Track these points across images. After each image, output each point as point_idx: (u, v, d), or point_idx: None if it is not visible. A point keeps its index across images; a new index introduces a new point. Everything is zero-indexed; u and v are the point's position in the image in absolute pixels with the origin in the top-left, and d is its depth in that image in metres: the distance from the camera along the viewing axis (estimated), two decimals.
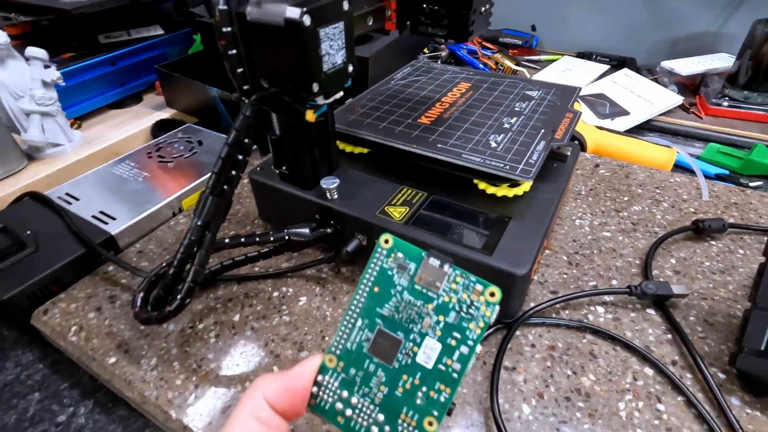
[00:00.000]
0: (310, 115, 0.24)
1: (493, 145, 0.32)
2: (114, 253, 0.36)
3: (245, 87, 0.24)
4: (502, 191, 0.32)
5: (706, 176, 0.47)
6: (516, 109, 0.38)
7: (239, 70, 0.23)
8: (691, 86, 0.67)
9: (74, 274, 0.34)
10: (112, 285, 0.34)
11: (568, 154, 0.36)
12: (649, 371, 0.27)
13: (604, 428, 0.24)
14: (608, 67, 0.72)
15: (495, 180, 0.31)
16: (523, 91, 0.41)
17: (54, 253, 0.34)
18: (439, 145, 0.33)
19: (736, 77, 0.58)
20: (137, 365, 0.28)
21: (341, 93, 0.26)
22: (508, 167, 0.30)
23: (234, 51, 0.22)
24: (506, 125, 0.35)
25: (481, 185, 0.32)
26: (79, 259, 0.34)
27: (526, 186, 0.32)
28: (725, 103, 0.58)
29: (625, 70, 0.67)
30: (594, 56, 0.75)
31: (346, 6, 0.24)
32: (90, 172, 0.44)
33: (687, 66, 0.64)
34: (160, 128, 0.59)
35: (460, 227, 0.30)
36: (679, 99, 0.60)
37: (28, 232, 0.35)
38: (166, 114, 0.62)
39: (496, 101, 0.39)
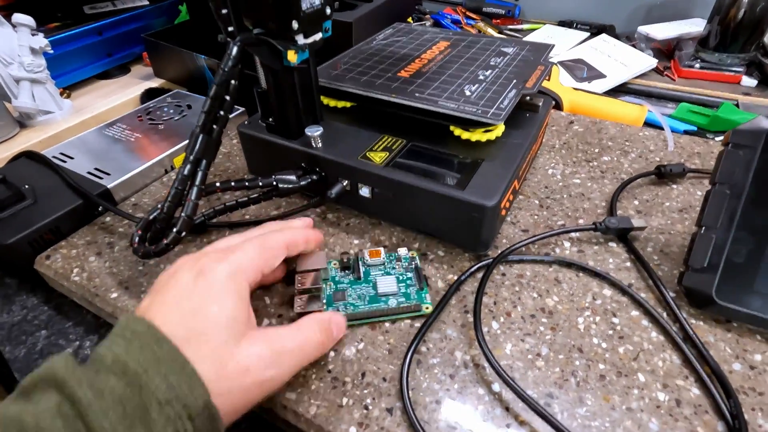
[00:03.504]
0: (292, 55, 0.26)
1: (467, 93, 0.34)
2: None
3: (230, 29, 0.26)
4: (476, 136, 0.34)
5: (675, 132, 0.50)
6: (491, 63, 0.40)
7: (224, 12, 0.25)
8: (666, 50, 0.69)
9: (73, 224, 0.36)
10: (109, 233, 0.35)
11: (540, 104, 0.38)
12: (607, 292, 0.30)
13: (564, 338, 0.27)
14: (588, 34, 0.73)
15: (469, 125, 0.34)
16: (499, 48, 0.43)
17: (52, 204, 0.35)
18: (417, 95, 0.34)
19: (707, 40, 0.61)
20: (137, 299, 0.30)
21: (320, 35, 0.27)
22: (480, 111, 0.32)
23: None
24: (481, 77, 0.37)
25: (457, 131, 0.34)
26: (77, 210, 0.36)
27: (498, 131, 0.34)
28: (697, 65, 0.61)
29: (603, 36, 0.69)
30: (574, 24, 0.77)
31: None
32: (82, 134, 0.46)
33: (662, 31, 0.66)
34: (148, 97, 0.60)
35: (437, 169, 0.32)
36: (653, 62, 0.62)
37: (27, 186, 0.36)
38: (155, 83, 0.63)
39: (473, 57, 0.41)
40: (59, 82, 0.58)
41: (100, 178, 0.39)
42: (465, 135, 0.34)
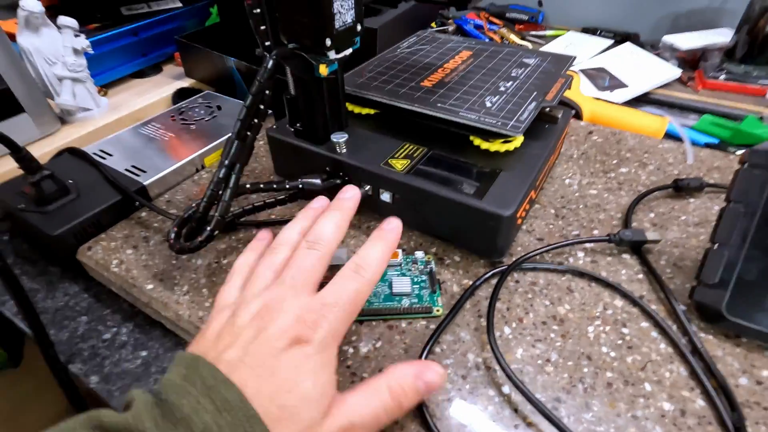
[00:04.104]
0: (323, 69, 0.28)
1: (488, 105, 0.36)
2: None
3: (267, 43, 0.28)
4: (495, 146, 0.35)
5: (696, 145, 0.50)
6: (512, 74, 0.40)
7: (262, 28, 0.27)
8: (692, 61, 0.69)
9: (112, 218, 0.38)
10: (145, 228, 0.38)
11: (559, 116, 0.39)
12: (618, 303, 0.31)
13: (574, 345, 0.28)
14: (612, 42, 0.73)
15: (488, 136, 0.35)
16: (521, 59, 0.43)
17: (94, 199, 0.38)
18: (439, 105, 0.36)
19: (734, 51, 0.60)
20: (171, 291, 0.32)
21: (350, 50, 0.29)
22: (500, 123, 0.33)
23: (258, 10, 0.26)
24: (502, 88, 0.38)
25: (476, 141, 0.35)
26: (116, 205, 0.38)
27: (517, 142, 0.35)
28: (722, 77, 0.60)
29: (627, 45, 0.69)
30: (598, 31, 0.76)
31: None
32: (119, 132, 0.48)
33: (687, 40, 0.65)
34: (179, 96, 0.62)
35: (456, 177, 0.33)
36: (677, 72, 0.62)
37: (71, 181, 0.39)
38: (185, 83, 0.66)
39: (495, 67, 0.42)
40: (97, 80, 0.61)
41: (137, 175, 0.41)
42: (484, 145, 0.35)
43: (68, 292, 0.37)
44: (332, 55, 0.28)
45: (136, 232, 0.37)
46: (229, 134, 0.28)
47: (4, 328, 1.01)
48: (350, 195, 0.27)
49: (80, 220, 0.36)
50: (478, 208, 0.30)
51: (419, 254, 0.34)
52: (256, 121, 0.28)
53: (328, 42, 0.26)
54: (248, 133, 0.28)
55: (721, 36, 0.66)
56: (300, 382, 0.19)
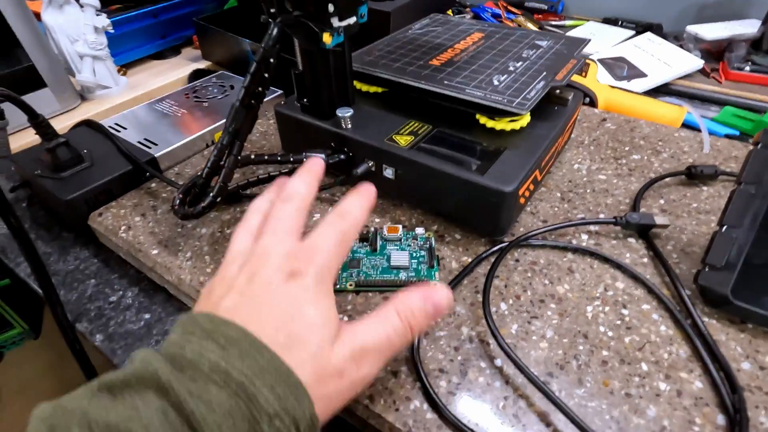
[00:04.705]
0: (327, 37, 0.28)
1: (495, 83, 0.35)
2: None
3: (272, 10, 0.28)
4: (501, 125, 0.34)
5: (716, 136, 0.48)
6: (523, 55, 0.40)
7: None
8: (717, 52, 0.66)
9: (123, 187, 0.39)
10: (154, 198, 0.39)
11: (570, 99, 0.38)
12: (620, 285, 0.30)
13: (570, 324, 0.28)
14: (633, 32, 0.71)
15: (494, 114, 0.34)
16: (534, 41, 0.43)
17: (106, 168, 0.39)
18: (446, 82, 0.36)
19: (761, 42, 0.58)
20: (175, 256, 0.33)
21: (354, 19, 0.29)
22: (505, 101, 0.33)
23: None
24: (511, 68, 0.38)
25: (482, 119, 0.35)
26: (127, 174, 0.39)
27: (523, 121, 0.34)
28: (747, 68, 0.58)
29: (648, 35, 0.67)
30: (620, 22, 0.74)
31: None
32: (135, 108, 0.50)
33: (712, 31, 0.63)
34: (195, 77, 0.64)
35: (460, 155, 0.33)
36: (699, 63, 0.60)
37: (85, 150, 0.40)
38: (202, 65, 0.67)
39: (506, 48, 0.41)
40: (117, 60, 0.63)
41: (149, 147, 0.42)
42: (490, 123, 0.35)
43: (79, 256, 0.38)
44: (336, 22, 0.28)
45: (145, 201, 0.38)
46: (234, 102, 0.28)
47: (24, 302, 1.05)
48: (314, 161, 0.26)
49: (92, 187, 0.37)
50: (480, 183, 0.30)
51: (419, 230, 0.34)
52: (260, 89, 0.29)
53: (331, 8, 0.26)
54: (252, 102, 0.29)
55: (749, 27, 0.63)
56: (303, 310, 0.19)
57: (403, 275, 0.30)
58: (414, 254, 0.32)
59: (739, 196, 0.27)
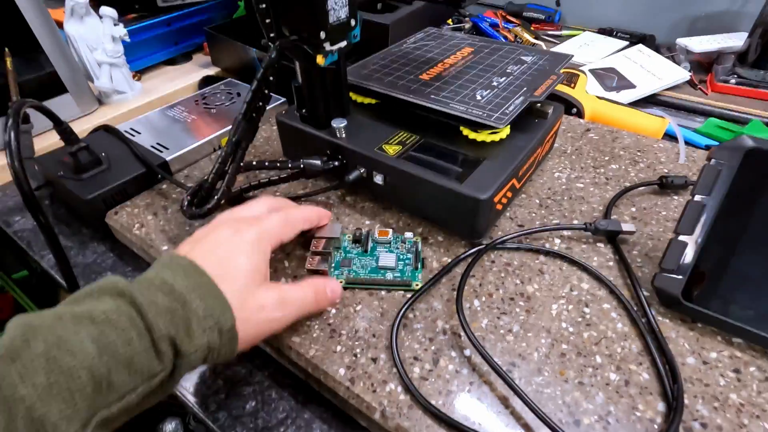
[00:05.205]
0: (320, 59, 0.31)
1: (478, 98, 0.38)
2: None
3: (271, 35, 0.31)
4: (482, 137, 0.37)
5: (695, 146, 0.50)
6: (507, 70, 0.43)
7: (267, 21, 0.30)
8: (707, 64, 0.68)
9: (137, 188, 0.43)
10: (165, 198, 0.42)
11: (549, 112, 0.41)
12: (585, 286, 0.33)
13: (536, 320, 0.30)
14: (626, 43, 0.74)
15: (476, 126, 0.37)
16: (519, 57, 0.46)
17: (122, 170, 0.43)
18: (432, 96, 0.39)
19: (746, 55, 0.60)
20: None
21: (345, 42, 0.32)
22: (485, 115, 0.36)
23: (263, 5, 0.29)
24: (494, 83, 0.40)
25: (465, 131, 0.38)
26: (141, 176, 0.43)
27: (503, 133, 0.37)
28: (732, 81, 0.60)
29: (639, 46, 0.69)
30: (614, 32, 0.77)
31: None
32: (148, 113, 0.53)
33: (701, 43, 0.65)
34: (205, 83, 0.67)
35: (443, 163, 0.36)
36: (686, 75, 0.62)
37: (103, 154, 0.44)
38: (212, 71, 0.71)
39: (492, 64, 0.44)
40: (132, 66, 0.67)
41: (161, 151, 0.46)
42: (472, 135, 0.38)
43: (96, 251, 0.42)
44: (328, 46, 0.31)
45: (157, 201, 0.42)
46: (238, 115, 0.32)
47: (41, 293, 1.10)
48: (325, 217, 0.36)
49: (109, 188, 0.41)
50: (458, 191, 0.33)
51: (408, 234, 0.37)
52: (261, 104, 0.32)
53: (323, 35, 0.30)
54: (254, 115, 0.32)
55: (738, 40, 0.65)
56: (236, 256, 0.26)
57: (389, 275, 0.33)
58: (401, 256, 0.35)
59: (692, 206, 0.30)
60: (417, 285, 0.33)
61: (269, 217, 0.29)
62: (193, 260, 0.24)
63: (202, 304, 0.22)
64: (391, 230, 0.36)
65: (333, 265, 0.34)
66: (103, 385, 0.19)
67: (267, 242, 0.28)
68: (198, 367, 0.25)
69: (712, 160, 0.30)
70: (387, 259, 0.34)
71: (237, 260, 0.26)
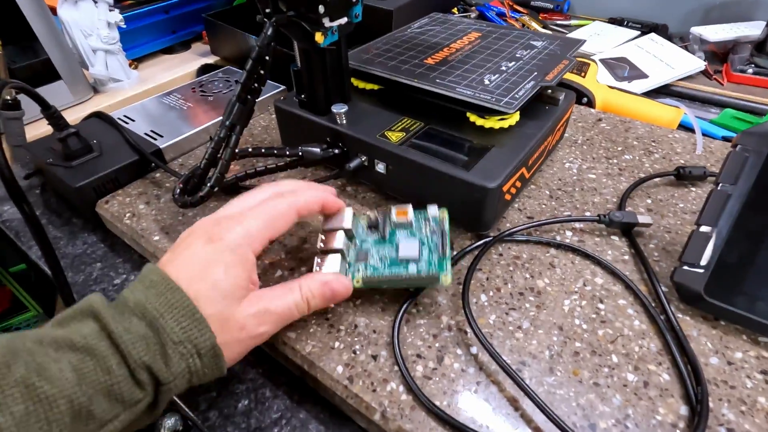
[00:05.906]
0: (319, 37, 0.29)
1: (486, 82, 0.36)
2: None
3: (267, 10, 0.29)
4: (490, 123, 0.35)
5: (712, 137, 0.48)
6: (517, 55, 0.41)
7: None
8: (722, 54, 0.66)
9: (129, 176, 0.41)
10: (158, 187, 0.41)
11: (561, 99, 0.39)
12: (598, 280, 0.31)
13: (547, 316, 0.29)
14: (638, 33, 0.71)
15: (484, 112, 0.35)
16: (529, 41, 0.44)
17: (114, 158, 0.41)
18: (438, 81, 0.37)
19: (764, 44, 0.57)
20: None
21: (345, 19, 0.30)
22: (494, 99, 0.34)
23: None
24: (503, 68, 0.38)
25: (472, 118, 0.36)
26: (133, 164, 0.41)
27: (512, 120, 0.35)
28: (749, 71, 0.58)
29: (652, 35, 0.67)
30: (625, 22, 0.74)
31: None
32: (144, 100, 0.52)
33: (716, 32, 0.63)
34: (203, 71, 0.65)
35: (448, 151, 0.34)
36: (701, 64, 0.60)
37: (95, 141, 0.42)
38: (211, 60, 0.69)
39: (500, 48, 0.42)
40: (129, 54, 0.65)
41: (155, 139, 0.44)
42: (480, 121, 0.36)
43: (87, 241, 0.40)
44: (327, 22, 0.29)
45: (150, 190, 0.40)
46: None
47: (39, 287, 1.09)
48: (338, 205, 0.30)
49: (100, 176, 0.39)
50: (464, 179, 0.31)
51: (432, 210, 0.30)
52: (256, 85, 0.30)
53: (321, 9, 0.28)
54: (248, 97, 0.30)
55: (755, 29, 0.63)
56: (210, 272, 0.23)
57: (412, 268, 0.27)
58: (425, 240, 0.29)
59: (716, 196, 0.28)
60: (446, 278, 0.26)
61: (250, 216, 0.25)
62: (167, 275, 0.22)
63: (176, 326, 0.21)
64: (410, 207, 0.30)
65: (348, 265, 0.28)
66: (82, 413, 0.18)
67: (247, 247, 0.24)
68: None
69: (738, 147, 0.28)
70: (408, 247, 0.28)
71: (214, 274, 0.23)
